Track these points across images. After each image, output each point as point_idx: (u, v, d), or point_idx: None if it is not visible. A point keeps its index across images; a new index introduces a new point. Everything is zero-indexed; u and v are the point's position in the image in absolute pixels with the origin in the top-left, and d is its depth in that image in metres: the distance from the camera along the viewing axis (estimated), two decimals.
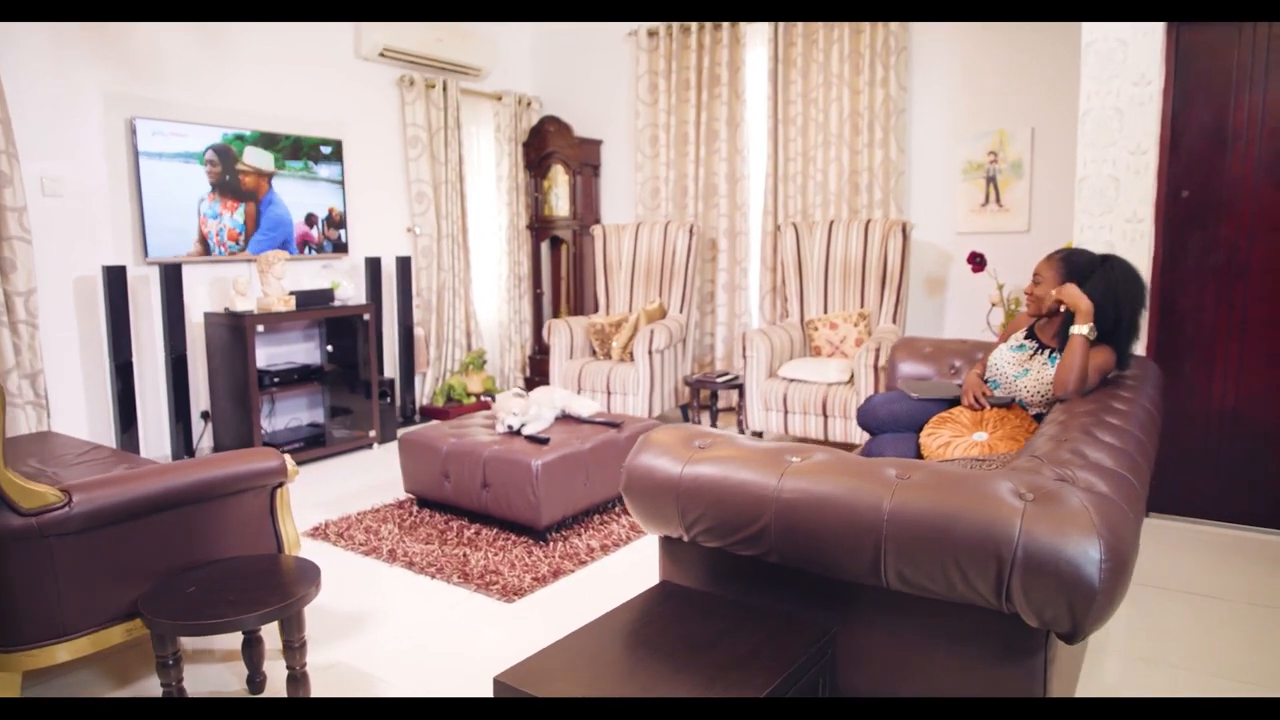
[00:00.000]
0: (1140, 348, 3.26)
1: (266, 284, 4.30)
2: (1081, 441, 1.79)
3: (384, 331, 5.20)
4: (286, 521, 2.40)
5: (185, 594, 2.00)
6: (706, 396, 5.21)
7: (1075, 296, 2.46)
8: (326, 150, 4.84)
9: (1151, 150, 3.16)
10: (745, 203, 5.43)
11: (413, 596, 2.84)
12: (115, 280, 3.86)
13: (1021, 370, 2.62)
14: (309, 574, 2.10)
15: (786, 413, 4.40)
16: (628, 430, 3.59)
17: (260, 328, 4.17)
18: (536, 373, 6.21)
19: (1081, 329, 2.41)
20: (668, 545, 1.90)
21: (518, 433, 3.51)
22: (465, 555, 3.13)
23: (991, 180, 4.60)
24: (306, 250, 4.86)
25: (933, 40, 4.71)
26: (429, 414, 5.50)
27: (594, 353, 5.31)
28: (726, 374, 4.97)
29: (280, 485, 2.35)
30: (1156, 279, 3.31)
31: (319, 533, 3.40)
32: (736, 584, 1.80)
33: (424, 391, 5.66)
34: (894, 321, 4.54)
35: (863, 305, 4.69)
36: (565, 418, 3.77)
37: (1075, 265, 2.58)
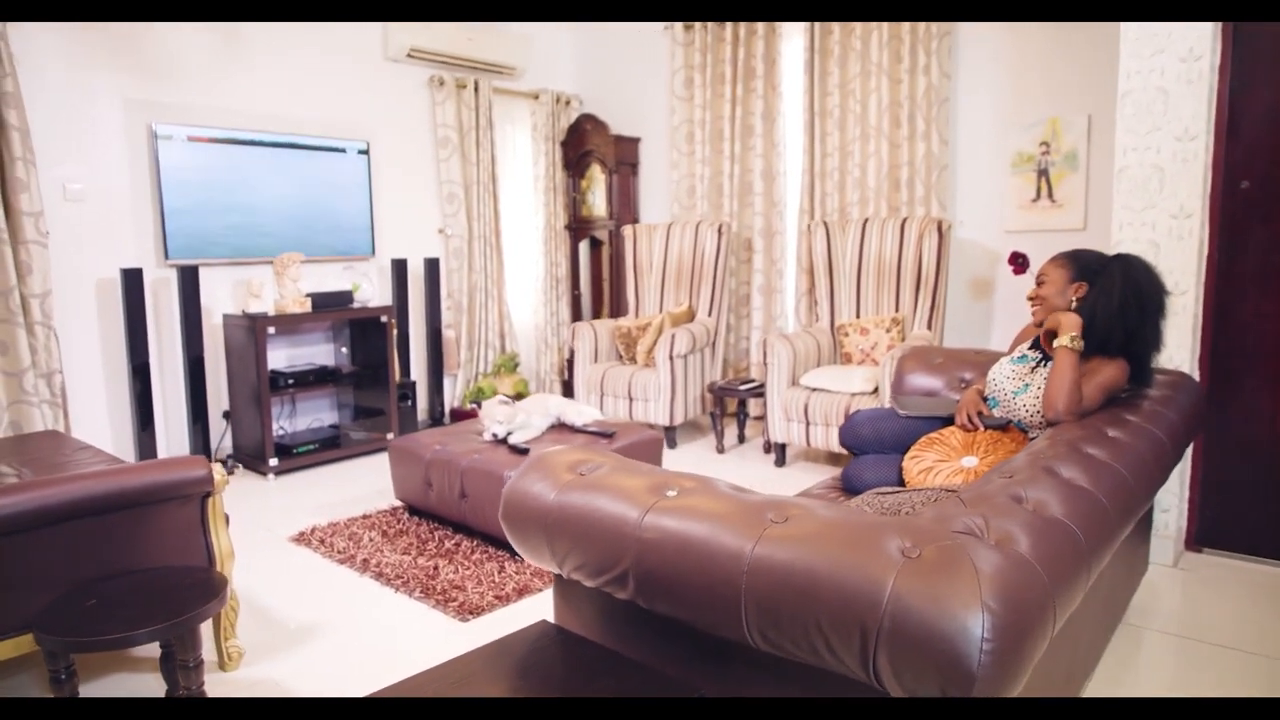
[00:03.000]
0: (1187, 363, 2.86)
1: (282, 285, 4.32)
2: (1035, 480, 1.50)
3: (411, 333, 5.18)
4: (219, 533, 2.33)
5: (84, 607, 1.94)
6: (735, 404, 4.96)
7: (1058, 317, 2.15)
8: (356, 152, 4.85)
9: (1202, 135, 2.75)
10: (781, 200, 5.15)
11: (370, 610, 2.74)
12: (132, 282, 3.94)
13: (1021, 386, 2.30)
14: (211, 590, 2.01)
15: (808, 424, 4.12)
16: (619, 441, 3.41)
17: (272, 329, 4.19)
18: (574, 376, 6.09)
19: (1065, 340, 2.09)
20: (558, 581, 1.72)
21: (503, 441, 3.38)
22: (436, 568, 3.02)
23: (1043, 173, 4.18)
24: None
25: (978, 23, 4.32)
26: (458, 416, 5.46)
27: (620, 357, 5.14)
28: (752, 381, 4.71)
29: (209, 495, 2.29)
30: (1210, 282, 2.89)
31: (303, 538, 3.35)
32: (625, 630, 1.60)
33: (455, 394, 5.63)
34: (929, 327, 4.19)
35: (897, 310, 4.35)
36: (561, 426, 3.62)
37: (1083, 264, 2.26)
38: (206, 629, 2.49)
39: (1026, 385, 2.29)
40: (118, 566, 2.14)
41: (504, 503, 1.62)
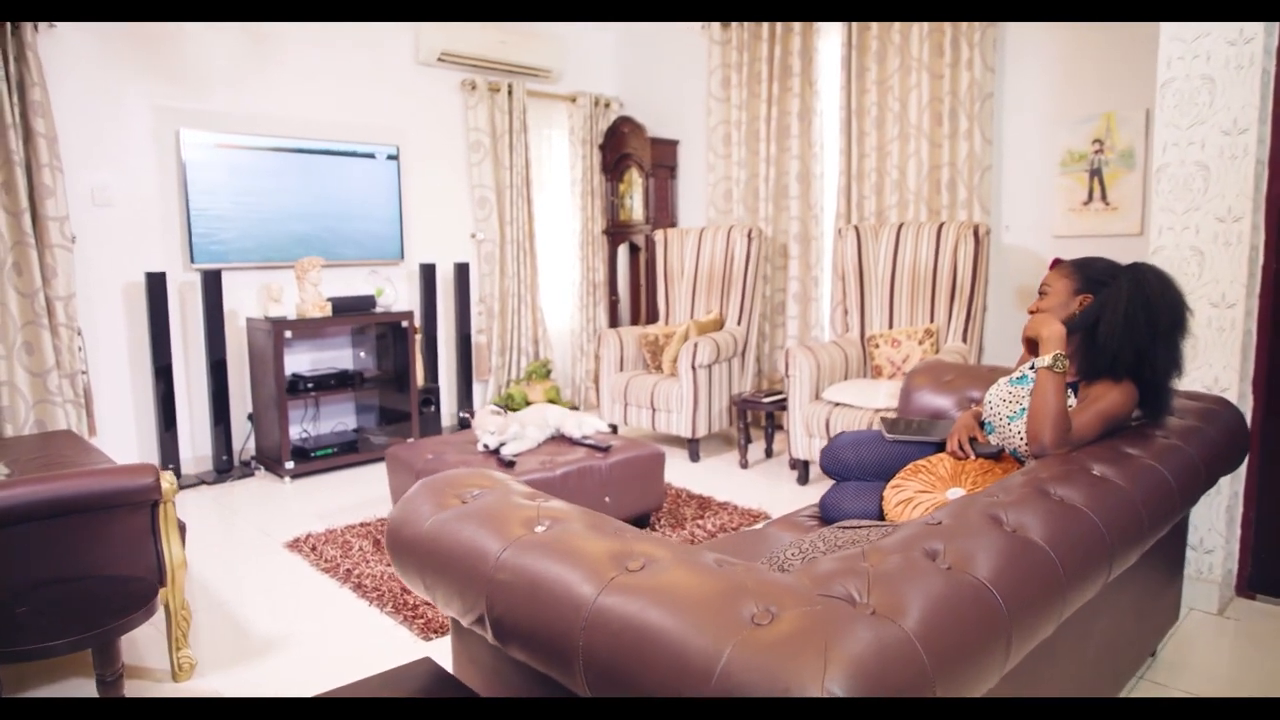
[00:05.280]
0: (1234, 386, 2.52)
1: (303, 290, 4.34)
2: (974, 530, 1.29)
3: (439, 338, 5.15)
4: (171, 542, 2.29)
5: (13, 614, 1.92)
6: (763, 417, 4.74)
7: (1038, 325, 1.90)
8: (385, 157, 4.86)
9: (1253, 127, 2.42)
10: (818, 204, 4.91)
11: (337, 624, 2.67)
12: (156, 286, 4.02)
13: (1017, 411, 2.05)
14: (135, 603, 1.97)
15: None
16: (614, 456, 3.26)
17: (289, 333, 4.21)
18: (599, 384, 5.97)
19: (1046, 360, 1.83)
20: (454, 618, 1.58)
21: (495, 453, 3.28)
22: None
23: (1096, 173, 3.83)
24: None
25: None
26: None
27: (647, 366, 4.99)
28: (779, 393, 4.49)
29: (158, 503, 2.25)
30: (1268, 295, 2.55)
31: (297, 545, 3.33)
32: (515, 679, 1.45)
33: (486, 399, 5.58)
34: (964, 340, 3.89)
35: (931, 320, 4.06)
36: (560, 438, 3.50)
37: (1091, 274, 1.99)
38: (159, 639, 2.48)
39: (1023, 409, 2.04)
40: (63, 573, 2.13)
41: (387, 527, 1.50)
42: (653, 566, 1.13)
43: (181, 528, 2.39)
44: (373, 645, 2.53)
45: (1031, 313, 2.09)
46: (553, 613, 1.12)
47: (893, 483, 2.14)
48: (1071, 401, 1.95)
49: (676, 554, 1.17)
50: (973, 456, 2.09)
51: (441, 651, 2.46)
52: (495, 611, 1.22)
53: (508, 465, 3.10)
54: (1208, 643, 2.48)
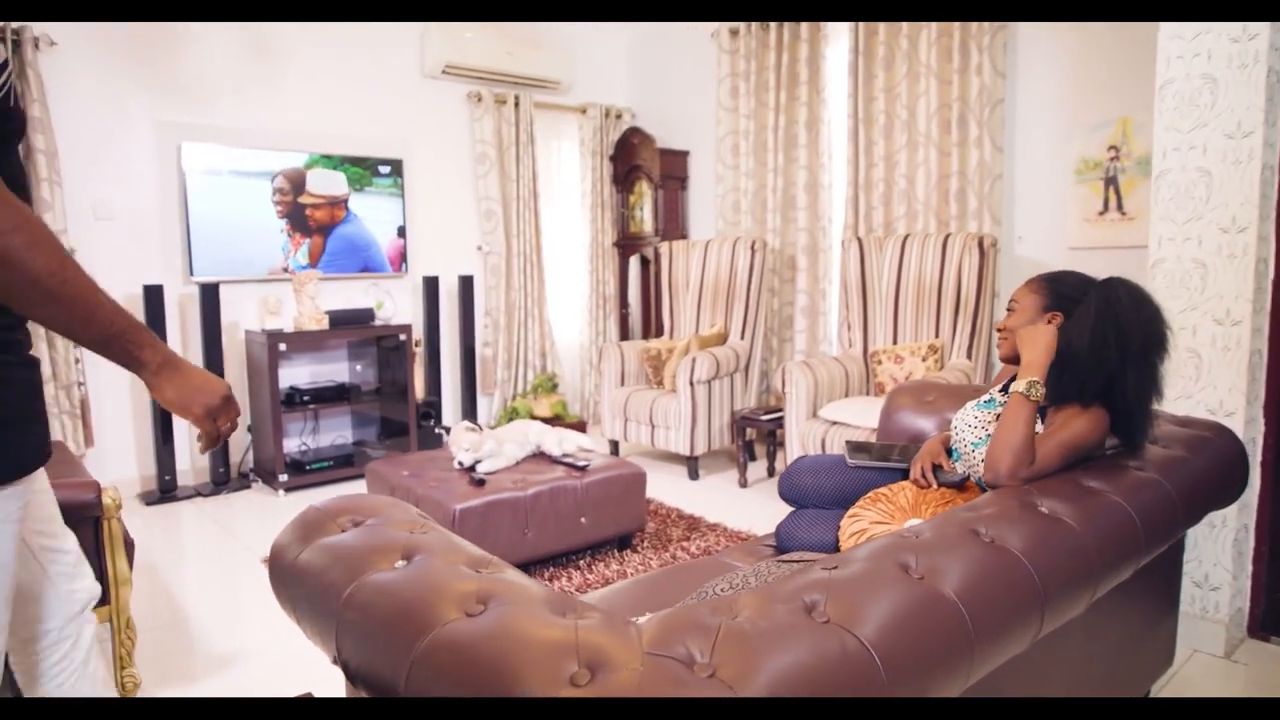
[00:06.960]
0: (1240, 409, 2.33)
1: (300, 303, 4.35)
2: (875, 579, 1.15)
3: (443, 351, 5.12)
4: (116, 559, 2.26)
5: None
6: (764, 435, 4.60)
7: (1032, 338, 1.73)
8: (385, 170, 4.86)
9: (1259, 130, 2.24)
10: (825, 215, 4.76)
11: (292, 644, 2.61)
12: (154, 299, 4.04)
13: (982, 437, 1.90)
14: None
15: None
16: (592, 476, 3.16)
17: (283, 346, 4.21)
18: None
19: (1019, 385, 1.68)
20: None
21: (471, 470, 3.21)
22: None
23: (1112, 182, 3.63)
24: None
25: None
26: None
27: (649, 380, 4.89)
28: (777, 410, 4.34)
29: (100, 519, 2.22)
30: (1277, 309, 2.35)
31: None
32: None
33: (492, 413, 5.53)
34: (969, 356, 3.71)
35: (936, 335, 3.88)
36: (541, 455, 3.42)
37: (1061, 290, 1.84)
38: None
39: (988, 435, 1.89)
40: None
41: (270, 554, 1.42)
42: (494, 611, 1.03)
43: (129, 544, 2.36)
44: (324, 669, 2.46)
45: (999, 330, 1.94)
46: (383, 657, 1.03)
47: (850, 512, 2.00)
48: (1039, 428, 1.80)
49: (521, 591, 1.07)
50: (935, 485, 1.94)
51: None
52: (344, 652, 1.13)
53: (478, 484, 3.03)
54: (1210, 688, 2.27)
